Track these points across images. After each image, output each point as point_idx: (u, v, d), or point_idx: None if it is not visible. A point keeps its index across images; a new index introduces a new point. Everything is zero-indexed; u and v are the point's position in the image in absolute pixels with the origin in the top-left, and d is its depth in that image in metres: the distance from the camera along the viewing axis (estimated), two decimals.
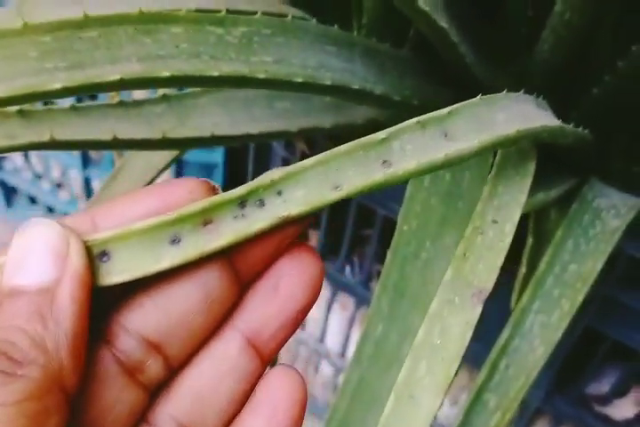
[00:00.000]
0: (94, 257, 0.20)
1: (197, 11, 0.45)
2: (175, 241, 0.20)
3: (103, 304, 0.21)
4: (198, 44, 0.28)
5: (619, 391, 0.64)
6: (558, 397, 0.66)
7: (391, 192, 0.64)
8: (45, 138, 0.26)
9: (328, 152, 0.22)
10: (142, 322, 0.21)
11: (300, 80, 0.33)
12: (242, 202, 0.21)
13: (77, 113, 0.28)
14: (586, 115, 0.54)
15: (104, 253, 0.20)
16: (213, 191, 0.22)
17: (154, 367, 0.21)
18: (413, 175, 0.24)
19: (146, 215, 0.21)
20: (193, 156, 0.70)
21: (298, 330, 0.78)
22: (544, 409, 0.67)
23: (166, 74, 0.24)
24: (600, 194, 0.48)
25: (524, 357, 0.36)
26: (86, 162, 0.83)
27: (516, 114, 0.35)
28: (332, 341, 0.75)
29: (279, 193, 0.21)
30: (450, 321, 0.28)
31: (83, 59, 0.22)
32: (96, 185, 0.85)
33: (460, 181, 0.50)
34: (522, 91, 0.43)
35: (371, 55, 0.45)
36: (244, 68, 0.29)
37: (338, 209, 0.71)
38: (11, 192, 1.00)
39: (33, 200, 0.99)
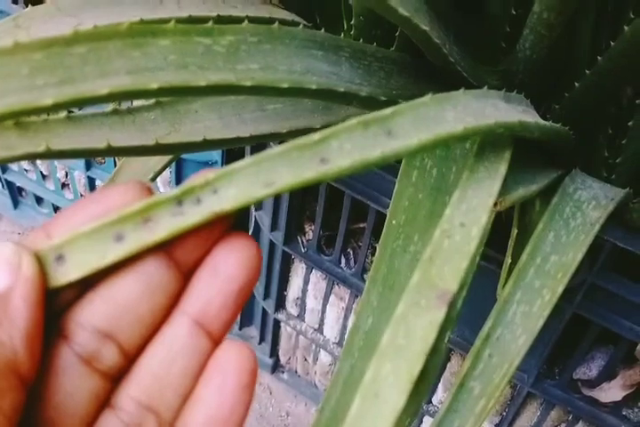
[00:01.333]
0: (52, 261, 0.22)
1: (189, 18, 0.46)
2: (119, 238, 0.22)
3: (60, 307, 0.23)
4: (186, 54, 0.28)
5: (606, 375, 0.65)
6: (548, 381, 0.67)
7: (383, 187, 0.65)
8: (41, 148, 0.26)
9: (263, 153, 0.24)
10: (92, 315, 0.23)
11: (285, 86, 0.33)
12: (179, 201, 0.23)
13: (73, 123, 0.29)
14: (568, 108, 0.55)
15: (60, 257, 0.22)
16: (149, 191, 0.24)
17: (108, 355, 0.23)
18: (347, 172, 0.25)
19: (91, 220, 0.23)
20: (191, 154, 0.71)
21: (297, 321, 0.78)
22: (535, 393, 0.68)
23: (154, 86, 0.25)
24: (581, 186, 0.49)
25: (506, 345, 0.37)
26: (90, 163, 0.84)
27: (469, 111, 0.36)
28: (330, 331, 0.76)
29: (215, 191, 0.23)
30: (415, 323, 0.29)
31: (73, 74, 0.23)
32: (100, 185, 0.85)
33: (446, 175, 0.50)
34: (504, 88, 0.44)
35: (357, 57, 0.46)
36: (230, 77, 0.30)
37: (333, 204, 0.72)
38: (17, 193, 1.01)
39: (39, 200, 0.99)
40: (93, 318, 0.23)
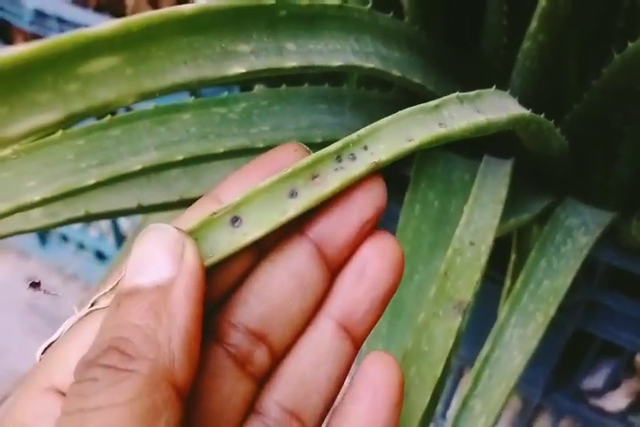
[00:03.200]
0: (227, 224, 0.22)
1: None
2: (293, 194, 0.22)
3: (211, 302, 0.22)
4: (205, 125, 0.32)
5: (611, 385, 0.68)
6: (556, 393, 0.70)
7: (389, 223, 0.68)
8: (81, 213, 0.30)
9: (395, 115, 0.25)
10: (246, 315, 0.22)
11: None
12: (338, 157, 0.23)
13: (106, 187, 0.32)
14: (566, 131, 0.58)
15: (236, 219, 0.22)
16: (305, 151, 0.24)
17: (260, 357, 0.22)
18: (466, 133, 0.27)
19: (260, 181, 0.22)
20: None
21: None
22: (544, 405, 0.71)
23: (180, 158, 0.29)
24: (572, 213, 0.52)
25: (504, 366, 0.40)
26: None
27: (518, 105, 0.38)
28: None
29: (365, 148, 0.24)
30: (435, 331, 0.32)
31: (110, 154, 0.26)
32: (122, 221, 0.88)
33: (447, 207, 0.53)
34: None
35: (359, 104, 0.49)
36: (245, 141, 0.33)
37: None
38: (44, 232, 1.04)
39: (65, 238, 1.02)
40: (248, 319, 0.22)
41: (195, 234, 0.21)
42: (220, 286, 0.22)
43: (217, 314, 0.22)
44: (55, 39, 0.13)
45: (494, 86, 0.32)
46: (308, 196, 0.22)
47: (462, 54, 0.59)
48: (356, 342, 0.23)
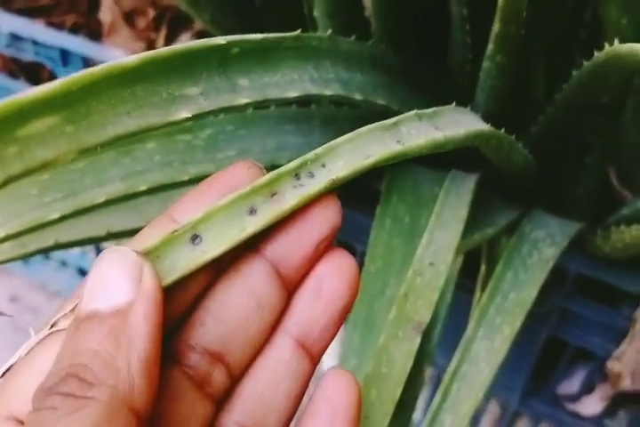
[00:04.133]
0: (187, 242, 0.22)
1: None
2: (252, 212, 0.23)
3: (170, 326, 0.22)
4: (170, 153, 0.32)
5: (586, 390, 0.69)
6: (533, 398, 0.71)
7: (367, 230, 0.69)
8: (50, 243, 0.30)
9: (353, 133, 0.25)
10: (204, 336, 0.22)
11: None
12: (296, 174, 0.24)
13: (75, 217, 0.32)
14: (532, 144, 0.59)
15: (196, 236, 0.22)
16: (259, 168, 0.24)
17: (219, 378, 0.22)
18: (423, 150, 0.27)
19: (217, 200, 0.22)
20: None
21: None
22: (522, 411, 0.71)
23: (144, 187, 0.29)
24: (538, 225, 0.52)
25: (472, 379, 0.40)
26: None
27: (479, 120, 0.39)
28: (328, 361, 0.79)
29: (323, 165, 0.24)
30: (394, 353, 0.33)
31: (75, 187, 0.27)
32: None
33: (417, 220, 0.53)
34: None
35: (328, 122, 0.50)
36: (210, 167, 0.34)
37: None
38: None
39: (47, 256, 1.02)
40: (206, 340, 0.22)
41: (155, 252, 0.21)
42: (178, 305, 0.22)
43: (175, 335, 0.22)
44: None
45: (454, 103, 0.33)
46: (267, 213, 0.23)
47: (430, 70, 0.60)
48: (313, 359, 0.23)
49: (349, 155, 0.25)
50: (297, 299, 0.23)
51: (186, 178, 0.32)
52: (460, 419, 0.38)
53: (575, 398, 0.70)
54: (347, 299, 0.23)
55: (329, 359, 0.79)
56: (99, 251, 0.84)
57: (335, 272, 0.23)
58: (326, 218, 0.24)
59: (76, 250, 0.93)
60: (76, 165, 0.27)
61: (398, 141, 0.27)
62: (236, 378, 0.23)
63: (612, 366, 0.60)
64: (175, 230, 0.22)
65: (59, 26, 0.80)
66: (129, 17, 0.83)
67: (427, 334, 0.42)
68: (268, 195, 0.23)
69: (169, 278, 0.21)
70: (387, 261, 0.51)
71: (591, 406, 0.68)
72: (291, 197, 0.23)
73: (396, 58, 0.50)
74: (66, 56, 0.66)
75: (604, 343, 0.62)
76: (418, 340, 0.32)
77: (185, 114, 0.19)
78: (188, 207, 0.23)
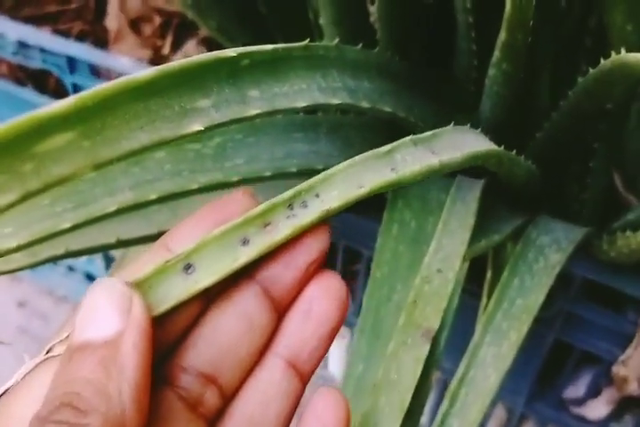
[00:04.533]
0: (180, 271, 0.22)
1: None
2: (245, 242, 0.23)
3: (162, 349, 0.22)
4: (180, 162, 0.33)
5: (592, 393, 0.68)
6: (539, 402, 0.70)
7: (373, 235, 0.69)
8: (61, 251, 0.31)
9: (347, 162, 0.26)
10: (196, 358, 0.23)
11: (268, 174, 0.38)
12: (289, 205, 0.24)
13: (86, 226, 0.33)
14: (535, 153, 0.59)
15: (189, 266, 0.22)
16: (253, 197, 0.25)
17: (211, 399, 0.23)
18: (418, 177, 0.27)
19: (210, 230, 0.23)
20: None
21: None
22: (528, 414, 0.71)
23: (154, 196, 0.29)
24: (544, 231, 0.52)
25: (479, 385, 0.40)
26: None
27: (480, 140, 0.39)
28: (335, 367, 0.79)
29: (317, 195, 0.25)
30: (404, 359, 0.33)
31: (85, 197, 0.27)
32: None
33: (424, 226, 0.53)
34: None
35: (335, 130, 0.50)
36: (219, 175, 0.34)
37: (329, 249, 0.75)
38: None
39: (55, 261, 1.02)
40: (198, 362, 0.23)
41: (148, 281, 0.22)
42: (172, 331, 0.23)
43: (168, 358, 0.23)
44: (11, 122, 0.14)
45: (452, 123, 0.33)
46: (260, 243, 0.23)
47: (436, 76, 0.60)
48: (303, 379, 0.24)
49: (343, 185, 0.25)
50: (287, 321, 0.24)
51: (195, 186, 0.32)
52: (468, 425, 0.38)
53: (581, 401, 0.70)
54: (336, 320, 0.24)
55: (336, 365, 0.79)
56: (106, 257, 0.84)
57: (324, 294, 0.24)
58: (316, 242, 0.24)
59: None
60: (86, 175, 0.27)
61: (393, 169, 0.27)
62: (227, 399, 0.23)
63: (618, 370, 0.60)
64: (168, 260, 0.22)
65: (65, 33, 0.80)
66: (135, 24, 0.83)
67: (434, 340, 0.42)
68: (261, 225, 0.23)
69: (162, 307, 0.22)
70: (393, 267, 0.51)
71: (597, 409, 0.68)
72: (284, 228, 0.24)
73: (403, 64, 0.50)
74: (73, 63, 0.66)
75: (609, 348, 0.62)
76: (427, 346, 0.32)
77: (197, 127, 0.19)
78: (184, 235, 0.23)
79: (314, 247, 0.24)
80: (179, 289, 0.22)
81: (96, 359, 0.19)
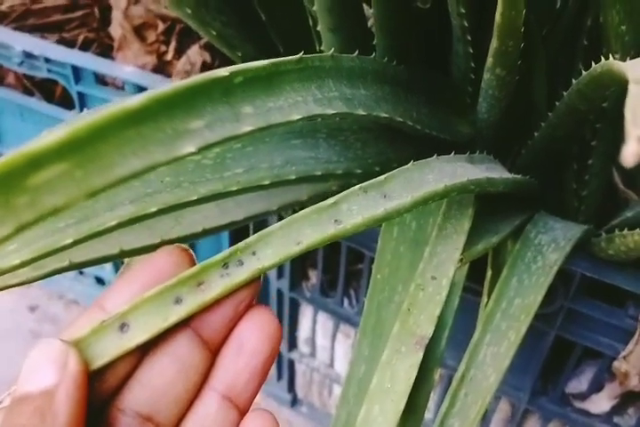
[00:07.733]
0: (116, 330, 0.24)
1: None
2: (178, 301, 0.24)
3: (103, 396, 0.24)
4: (179, 174, 0.33)
5: (595, 388, 0.69)
6: (543, 397, 0.71)
7: (374, 236, 0.69)
8: (65, 264, 0.31)
9: (288, 218, 0.27)
10: (133, 400, 0.24)
11: (267, 182, 0.38)
12: (225, 264, 0.25)
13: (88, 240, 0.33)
14: (532, 153, 0.59)
15: (124, 325, 0.24)
16: (189, 256, 0.26)
17: None
18: (360, 228, 0.28)
19: (144, 290, 0.25)
20: None
21: (310, 359, 0.82)
22: (532, 410, 0.71)
23: (154, 209, 0.30)
24: (542, 230, 0.52)
25: (479, 384, 0.40)
26: None
27: (445, 173, 0.39)
28: (340, 365, 0.79)
29: (254, 253, 0.26)
30: (397, 367, 0.33)
31: (87, 212, 0.27)
32: None
33: (424, 227, 0.53)
34: (474, 139, 0.47)
35: (334, 135, 0.50)
36: (218, 186, 0.34)
37: (331, 250, 0.76)
38: None
39: None
40: (135, 403, 0.24)
41: (87, 340, 0.24)
42: (112, 380, 0.24)
43: (108, 403, 0.24)
44: (4, 157, 0.14)
45: (411, 162, 0.33)
46: (192, 302, 0.24)
47: (433, 79, 0.60)
48: (240, 409, 0.26)
49: (280, 242, 0.26)
50: (221, 357, 0.26)
51: (194, 197, 0.32)
52: (469, 425, 0.39)
53: (584, 396, 0.70)
54: (268, 352, 0.26)
55: (342, 364, 0.80)
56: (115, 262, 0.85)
57: (256, 329, 0.26)
58: (246, 289, 0.26)
59: None
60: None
61: (336, 221, 0.27)
62: None
63: (620, 365, 0.60)
64: (104, 321, 0.24)
65: (71, 41, 0.81)
66: (139, 31, 0.83)
67: (435, 342, 0.42)
68: (195, 284, 0.25)
69: (99, 362, 0.24)
70: (394, 269, 0.51)
71: (600, 404, 0.68)
72: (217, 287, 0.25)
73: (399, 68, 0.50)
74: (78, 72, 0.67)
75: (611, 343, 0.62)
76: (420, 354, 0.33)
77: (190, 148, 0.19)
78: (117, 295, 0.25)
79: (244, 294, 0.26)
80: (114, 346, 0.24)
81: (32, 408, 0.21)
